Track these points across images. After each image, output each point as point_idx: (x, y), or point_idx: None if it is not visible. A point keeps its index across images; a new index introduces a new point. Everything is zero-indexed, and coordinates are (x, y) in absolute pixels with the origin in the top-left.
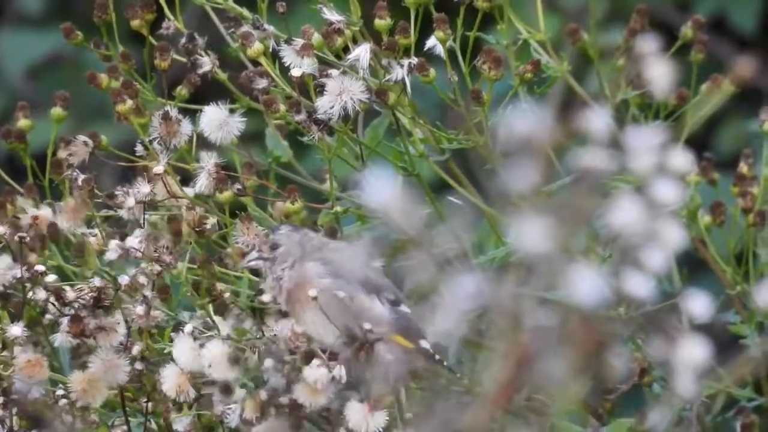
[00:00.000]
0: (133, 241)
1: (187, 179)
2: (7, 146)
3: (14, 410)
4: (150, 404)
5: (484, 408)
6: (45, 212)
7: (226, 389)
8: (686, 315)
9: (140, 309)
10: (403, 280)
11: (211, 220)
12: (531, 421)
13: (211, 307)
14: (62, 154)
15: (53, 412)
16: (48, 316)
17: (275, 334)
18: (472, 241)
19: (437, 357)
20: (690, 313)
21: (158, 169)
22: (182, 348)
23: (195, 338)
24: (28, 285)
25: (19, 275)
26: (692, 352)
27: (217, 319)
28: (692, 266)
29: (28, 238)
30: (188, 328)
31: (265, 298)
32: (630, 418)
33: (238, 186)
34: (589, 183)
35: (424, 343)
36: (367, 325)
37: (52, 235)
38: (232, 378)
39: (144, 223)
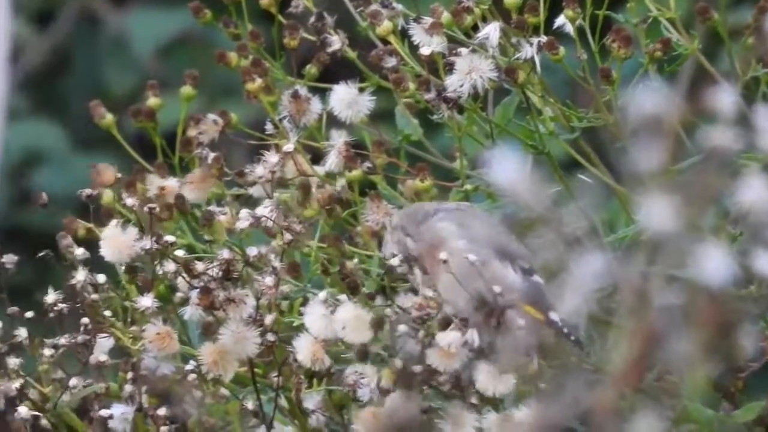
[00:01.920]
0: (264, 210)
1: (317, 158)
2: (137, 125)
3: (143, 387)
4: (281, 379)
5: (613, 387)
6: (171, 182)
7: (362, 353)
8: None
9: (269, 280)
10: (531, 252)
11: (340, 182)
12: (661, 401)
13: (340, 285)
14: (192, 132)
15: (183, 388)
16: (178, 294)
17: (407, 304)
18: (602, 220)
19: (566, 330)
20: None
21: (288, 147)
22: (314, 315)
23: (326, 306)
24: (156, 257)
25: (147, 247)
26: None
27: (346, 297)
28: None
29: (157, 209)
30: (321, 295)
31: (394, 261)
32: (761, 398)
33: (367, 164)
34: (718, 161)
35: (554, 316)
36: (497, 289)
37: (179, 206)
38: (368, 340)
39: (273, 194)
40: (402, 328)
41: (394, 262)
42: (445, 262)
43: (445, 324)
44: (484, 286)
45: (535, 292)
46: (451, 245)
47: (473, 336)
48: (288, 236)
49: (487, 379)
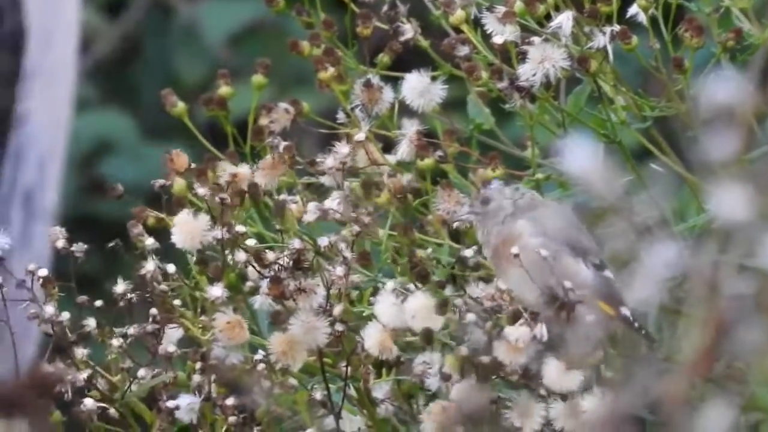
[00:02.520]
0: (332, 202)
1: (388, 146)
2: (209, 113)
3: (212, 377)
4: (349, 369)
5: (683, 376)
6: (243, 170)
7: (428, 338)
8: None
9: (340, 270)
10: (602, 247)
11: (407, 176)
12: (731, 390)
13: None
14: (263, 121)
15: (251, 378)
16: (248, 283)
17: (478, 294)
18: (673, 209)
19: (637, 325)
20: None
21: (360, 136)
22: (384, 304)
23: (397, 295)
24: (227, 247)
25: (219, 236)
26: None
27: (417, 285)
28: None
29: (228, 199)
30: (390, 284)
31: (467, 252)
32: None
33: (439, 153)
34: None
35: (625, 311)
36: (568, 284)
37: (252, 194)
38: (437, 327)
39: (343, 186)
40: (470, 316)
41: (468, 253)
42: (516, 256)
43: (515, 317)
44: (556, 281)
45: (607, 288)
46: (525, 241)
47: (542, 331)
48: (356, 227)
49: (555, 374)
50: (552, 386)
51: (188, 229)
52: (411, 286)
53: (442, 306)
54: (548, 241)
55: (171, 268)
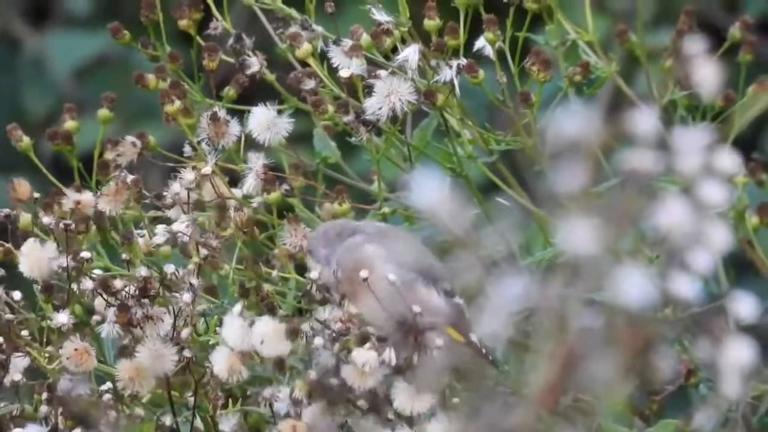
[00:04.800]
0: (180, 225)
1: (235, 180)
2: (54, 148)
3: (59, 408)
4: (196, 399)
5: (530, 409)
6: (87, 197)
7: (280, 364)
8: (733, 316)
9: (186, 296)
10: (452, 277)
11: (257, 199)
12: (577, 423)
13: (257, 307)
14: (110, 155)
15: (98, 409)
16: (95, 317)
17: (326, 317)
18: (520, 243)
19: (485, 352)
20: (737, 315)
21: (206, 169)
22: (232, 327)
23: (244, 318)
24: (74, 274)
25: (64, 265)
26: (739, 354)
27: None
28: (739, 267)
29: (73, 225)
30: (237, 308)
31: (313, 275)
32: (676, 420)
33: (285, 187)
34: (636, 184)
35: (474, 337)
36: (417, 309)
37: (97, 221)
38: (285, 353)
39: (189, 210)
40: (318, 341)
41: (312, 287)
42: (365, 280)
43: (362, 340)
44: (408, 308)
45: (456, 314)
46: (378, 269)
47: (390, 355)
48: (204, 252)
49: (405, 397)
50: (402, 410)
51: (35, 259)
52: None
53: (293, 332)
54: (399, 267)
55: (17, 295)
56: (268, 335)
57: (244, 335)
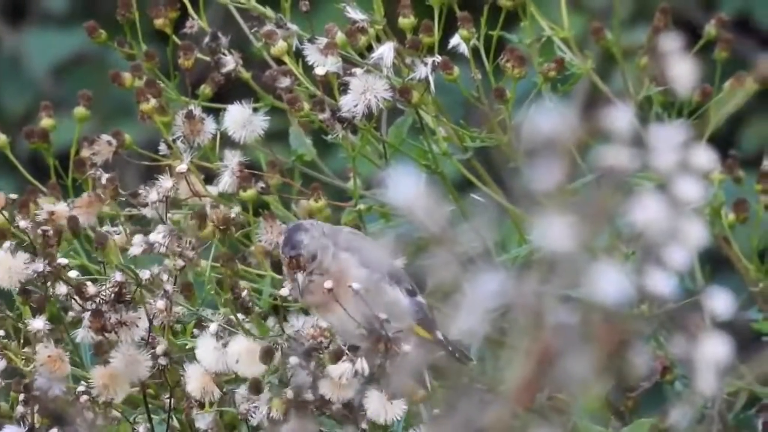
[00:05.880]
0: (157, 236)
1: (210, 178)
2: (31, 146)
3: (35, 407)
4: (172, 401)
5: (505, 406)
6: (61, 207)
7: (256, 386)
8: (708, 312)
9: (161, 303)
10: (425, 278)
11: (235, 209)
12: (553, 420)
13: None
14: (86, 153)
15: (74, 409)
16: (70, 313)
17: (298, 331)
18: (495, 240)
19: (451, 349)
20: (712, 311)
21: (182, 167)
22: (206, 348)
23: (218, 338)
24: (49, 280)
25: (40, 269)
26: (714, 350)
27: (239, 317)
28: (715, 264)
29: (50, 231)
30: (212, 328)
31: (284, 291)
32: (652, 417)
33: (261, 184)
34: (612, 181)
35: (440, 334)
36: (383, 316)
37: (72, 229)
38: (260, 373)
39: (167, 219)
40: (293, 360)
41: (285, 292)
42: (330, 291)
43: (337, 356)
44: (379, 311)
45: (421, 312)
46: (353, 274)
47: (363, 365)
48: (180, 261)
49: (378, 405)
50: (376, 418)
51: (7, 268)
52: (234, 319)
53: (268, 353)
54: (372, 273)
55: None
56: (242, 355)
57: (219, 356)
